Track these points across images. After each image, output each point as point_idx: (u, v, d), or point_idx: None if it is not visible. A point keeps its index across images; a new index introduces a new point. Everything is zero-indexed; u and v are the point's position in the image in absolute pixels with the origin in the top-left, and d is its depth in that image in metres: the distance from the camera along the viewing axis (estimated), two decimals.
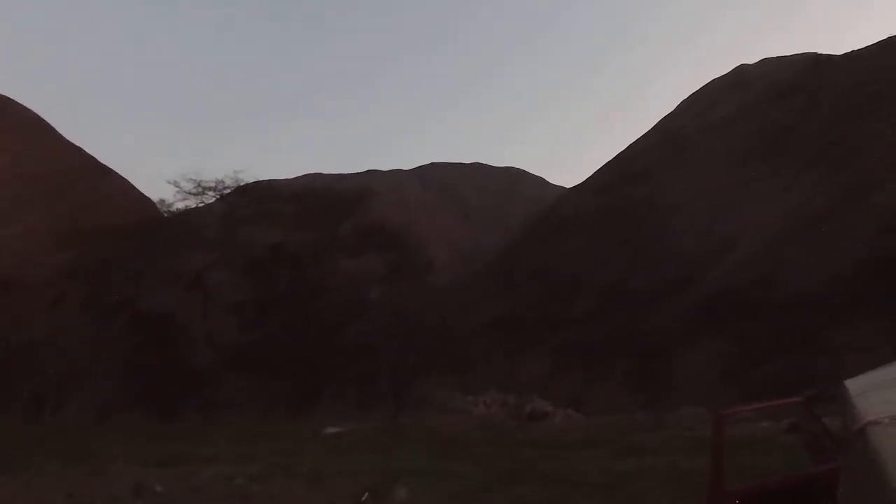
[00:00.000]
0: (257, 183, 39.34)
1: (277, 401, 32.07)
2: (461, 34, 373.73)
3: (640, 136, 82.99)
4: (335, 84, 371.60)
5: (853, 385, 2.97)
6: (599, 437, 16.71)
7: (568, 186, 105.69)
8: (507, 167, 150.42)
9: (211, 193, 35.81)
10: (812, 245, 43.70)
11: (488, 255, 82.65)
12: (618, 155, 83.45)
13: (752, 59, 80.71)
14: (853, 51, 67.79)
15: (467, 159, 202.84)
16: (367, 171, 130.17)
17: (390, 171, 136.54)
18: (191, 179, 34.84)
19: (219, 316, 34.50)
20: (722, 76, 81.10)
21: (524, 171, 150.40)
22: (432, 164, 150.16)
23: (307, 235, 35.86)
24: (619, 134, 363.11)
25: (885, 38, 65.11)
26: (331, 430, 18.94)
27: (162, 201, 38.15)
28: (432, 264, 44.31)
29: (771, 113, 64.75)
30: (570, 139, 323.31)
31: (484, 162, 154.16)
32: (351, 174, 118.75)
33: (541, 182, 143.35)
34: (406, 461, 13.21)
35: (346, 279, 36.18)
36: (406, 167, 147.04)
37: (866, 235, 40.62)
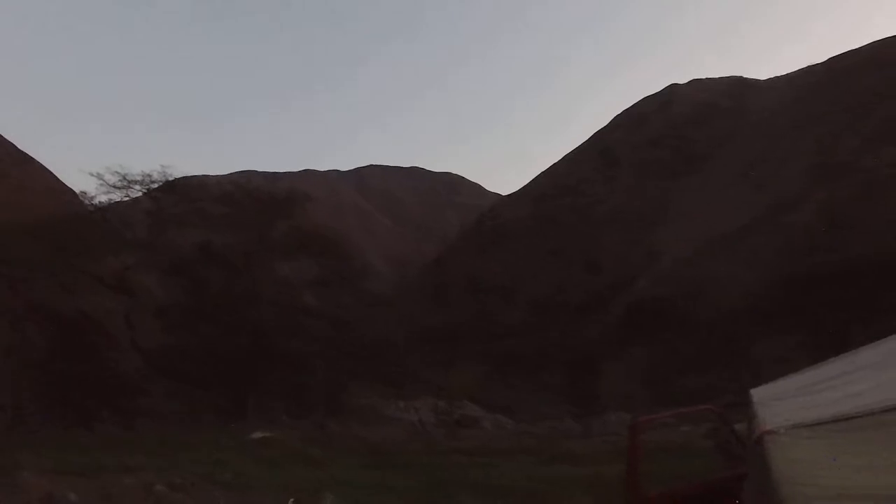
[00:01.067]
0: (186, 179, 37.92)
1: (204, 408, 31.08)
2: (403, 39, 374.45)
3: (574, 148, 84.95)
4: (272, 80, 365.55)
5: (758, 394, 3.15)
6: (530, 444, 17.00)
7: (504, 194, 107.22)
8: (445, 172, 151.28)
9: (137, 188, 34.25)
10: (734, 259, 45.77)
11: (424, 261, 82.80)
12: (553, 166, 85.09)
13: (682, 80, 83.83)
14: (776, 76, 71.62)
15: (405, 162, 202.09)
16: (303, 170, 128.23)
17: (327, 171, 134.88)
18: (115, 172, 33.23)
19: (143, 319, 33.18)
20: (654, 94, 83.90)
21: (462, 177, 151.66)
22: (370, 166, 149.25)
23: (239, 236, 34.81)
24: (554, 145, 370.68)
25: (805, 66, 69.14)
26: (257, 434, 18.52)
27: (84, 193, 36.14)
28: (368, 270, 43.98)
29: (698, 131, 67.58)
30: (507, 148, 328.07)
31: (422, 166, 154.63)
32: (285, 173, 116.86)
33: (478, 189, 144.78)
34: (335, 470, 13.07)
35: (279, 283, 35.43)
36: (343, 168, 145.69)
37: (782, 252, 42.90)
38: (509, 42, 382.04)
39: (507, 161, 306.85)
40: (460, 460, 14.67)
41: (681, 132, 69.37)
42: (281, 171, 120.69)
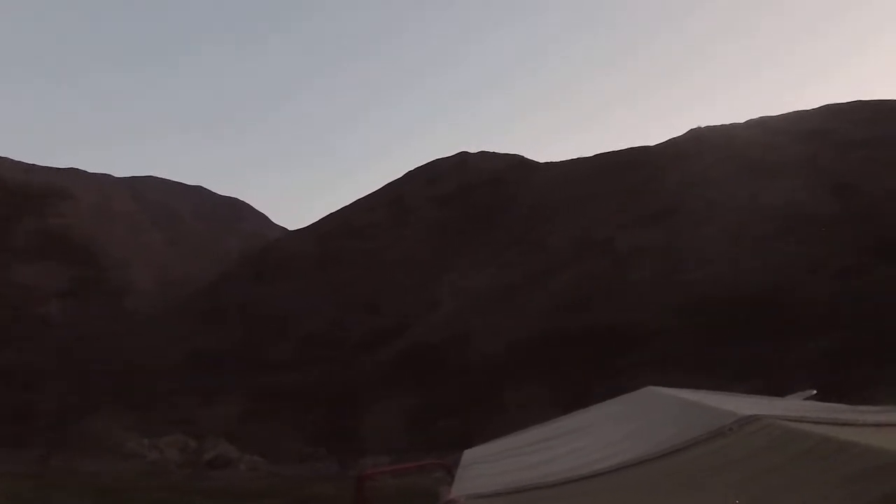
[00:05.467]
0: None
1: None
2: (191, 52, 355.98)
3: (367, 194, 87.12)
4: (44, 58, 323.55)
5: (468, 455, 3.38)
6: (282, 486, 16.44)
7: (290, 229, 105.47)
8: (231, 197, 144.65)
9: None
10: (501, 314, 49.53)
11: (197, 285, 77.70)
12: (343, 208, 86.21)
13: (472, 150, 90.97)
14: (551, 161, 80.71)
15: (190, 180, 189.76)
16: (69, 168, 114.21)
17: (97, 174, 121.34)
18: None
19: None
20: (447, 157, 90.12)
21: (248, 204, 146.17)
22: (150, 177, 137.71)
23: None
24: (344, 191, 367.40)
25: (576, 157, 78.62)
26: None
27: None
28: (132, 287, 40.15)
29: (482, 197, 73.04)
30: (298, 185, 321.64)
31: (207, 187, 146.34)
32: (44, 167, 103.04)
33: (263, 219, 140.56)
34: None
35: (16, 288, 30.90)
36: (119, 174, 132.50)
37: (542, 311, 47.43)
38: (316, 89, 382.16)
39: (295, 197, 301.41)
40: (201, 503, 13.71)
41: (468, 195, 74.49)
42: (40, 163, 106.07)
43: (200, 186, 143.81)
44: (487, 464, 3.11)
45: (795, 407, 4.60)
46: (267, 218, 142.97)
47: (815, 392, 9.30)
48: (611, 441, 3.04)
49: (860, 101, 66.84)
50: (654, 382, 6.93)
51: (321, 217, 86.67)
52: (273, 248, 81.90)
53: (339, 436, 36.76)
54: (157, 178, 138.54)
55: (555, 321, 44.88)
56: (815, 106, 69.17)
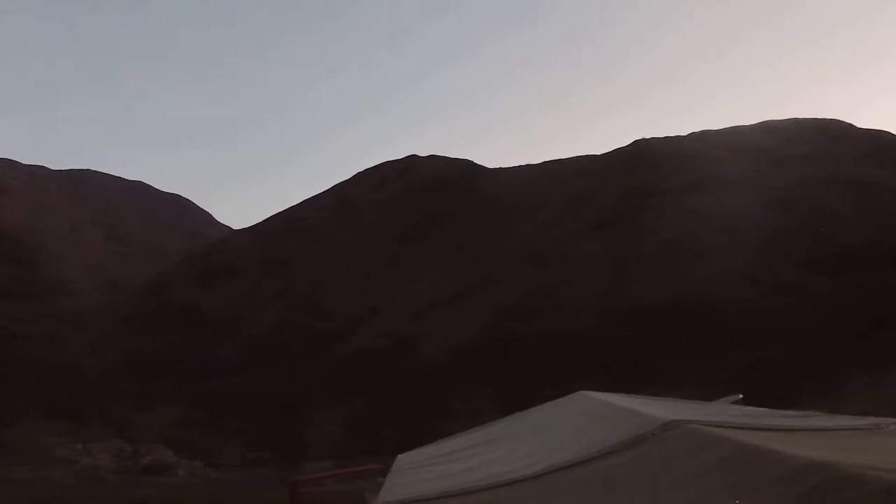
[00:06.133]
0: None
1: None
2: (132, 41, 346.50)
3: (313, 195, 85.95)
4: None
5: (401, 460, 3.48)
6: (223, 493, 16.15)
7: (235, 228, 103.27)
8: (173, 194, 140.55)
9: None
10: (446, 321, 49.73)
11: (138, 286, 75.33)
12: (290, 208, 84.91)
13: (422, 153, 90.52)
14: (501, 167, 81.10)
15: (130, 175, 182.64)
16: (0, 158, 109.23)
17: (31, 165, 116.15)
18: None
19: None
20: (396, 160, 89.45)
21: (191, 201, 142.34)
22: (88, 170, 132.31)
23: None
24: (290, 189, 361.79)
25: (523, 164, 79.43)
26: None
27: None
28: (67, 286, 38.66)
29: (430, 202, 73.12)
30: (242, 182, 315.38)
31: (149, 183, 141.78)
32: None
33: (208, 218, 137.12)
34: None
35: None
36: (55, 167, 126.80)
37: (487, 318, 47.86)
38: (264, 86, 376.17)
39: (241, 195, 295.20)
40: None
41: (416, 200, 74.39)
42: None
43: (141, 182, 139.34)
44: (418, 469, 3.22)
45: (719, 412, 4.89)
46: (211, 216, 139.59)
47: (741, 396, 9.78)
48: (539, 446, 3.18)
49: (795, 118, 70.09)
50: (593, 389, 7.16)
51: (267, 217, 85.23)
52: (217, 247, 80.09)
53: (283, 441, 36.25)
54: (95, 171, 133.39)
55: (499, 328, 45.40)
56: (753, 122, 72.02)
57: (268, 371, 49.39)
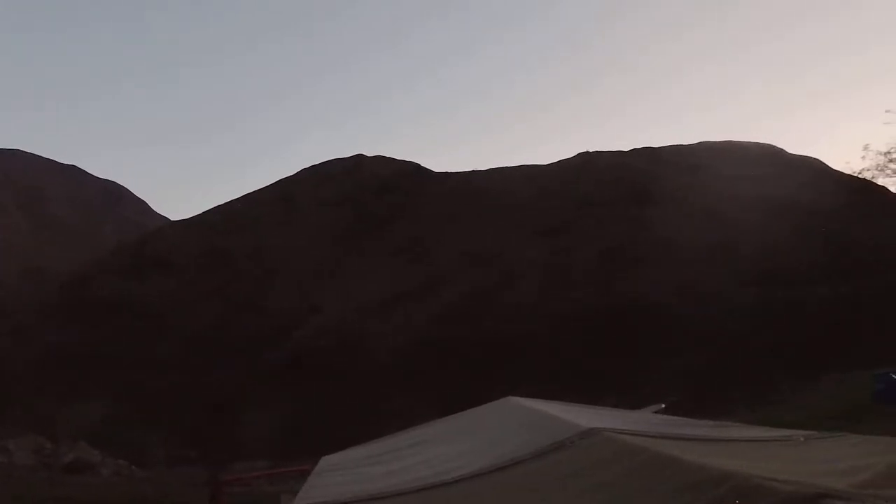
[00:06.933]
0: None
1: None
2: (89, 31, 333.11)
3: (256, 189, 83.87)
4: None
5: (326, 462, 3.50)
6: (147, 493, 15.66)
7: (173, 219, 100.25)
8: (108, 180, 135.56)
9: None
10: (389, 321, 49.61)
11: (65, 275, 72.20)
12: (233, 200, 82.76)
13: (369, 153, 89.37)
14: (447, 172, 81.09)
15: (62, 158, 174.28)
16: None
17: None
18: None
19: None
20: (341, 158, 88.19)
21: (127, 189, 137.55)
22: (15, 150, 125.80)
23: None
24: (231, 181, 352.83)
25: (469, 170, 79.56)
26: None
27: None
28: None
29: (376, 202, 72.66)
30: (182, 172, 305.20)
31: (82, 167, 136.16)
32: None
33: (143, 207, 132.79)
34: None
35: None
36: None
37: (429, 320, 48.01)
38: (211, 75, 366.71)
39: (180, 185, 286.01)
40: None
41: (361, 199, 73.74)
42: None
43: (74, 166, 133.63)
44: (340, 472, 3.23)
45: (639, 420, 5.07)
46: (147, 205, 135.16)
47: (664, 406, 10.18)
48: (462, 450, 3.24)
49: (734, 141, 73.06)
50: (532, 393, 7.32)
51: (207, 209, 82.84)
52: (153, 238, 77.46)
53: (215, 441, 35.43)
54: (24, 152, 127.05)
55: (441, 330, 45.61)
56: (693, 142, 74.43)
57: (202, 368, 48.15)
